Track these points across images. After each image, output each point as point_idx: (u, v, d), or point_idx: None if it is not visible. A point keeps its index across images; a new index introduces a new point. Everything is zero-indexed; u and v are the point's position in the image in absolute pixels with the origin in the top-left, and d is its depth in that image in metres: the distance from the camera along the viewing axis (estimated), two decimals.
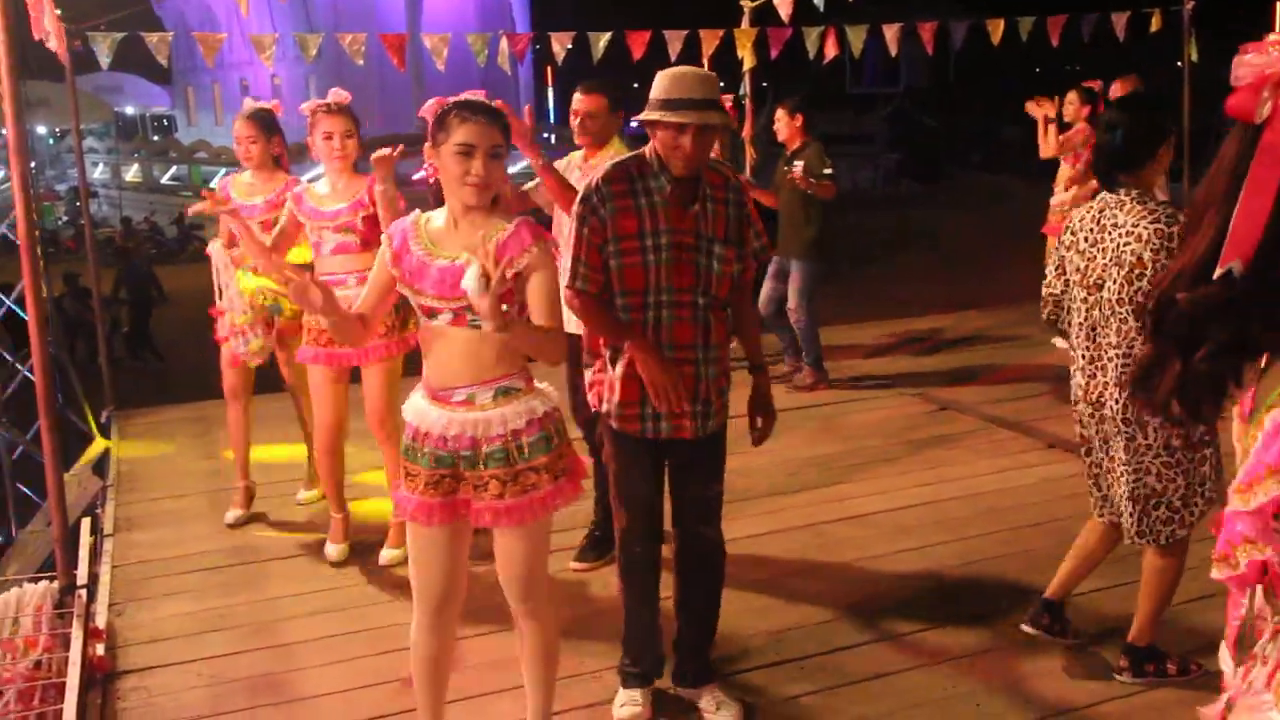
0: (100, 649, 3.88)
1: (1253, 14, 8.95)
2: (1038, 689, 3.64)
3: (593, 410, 3.43)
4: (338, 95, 4.52)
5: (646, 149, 3.20)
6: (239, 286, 4.86)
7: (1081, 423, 3.60)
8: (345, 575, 4.67)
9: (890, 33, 8.33)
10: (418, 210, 2.96)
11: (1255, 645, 1.40)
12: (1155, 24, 8.69)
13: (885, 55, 8.82)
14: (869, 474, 5.73)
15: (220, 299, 5.00)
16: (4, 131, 7.53)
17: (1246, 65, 1.27)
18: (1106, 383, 3.45)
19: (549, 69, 37.95)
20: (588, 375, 3.42)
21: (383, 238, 2.92)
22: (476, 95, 2.83)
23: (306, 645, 4.11)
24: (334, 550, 4.75)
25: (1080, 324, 3.50)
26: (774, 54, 8.21)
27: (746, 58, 8.15)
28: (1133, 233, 3.29)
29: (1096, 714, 3.50)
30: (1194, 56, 8.54)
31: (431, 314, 2.82)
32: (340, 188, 4.50)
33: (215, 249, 4.99)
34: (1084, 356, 3.51)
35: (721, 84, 3.31)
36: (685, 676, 3.54)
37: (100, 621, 4.06)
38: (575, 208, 3.22)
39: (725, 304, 3.34)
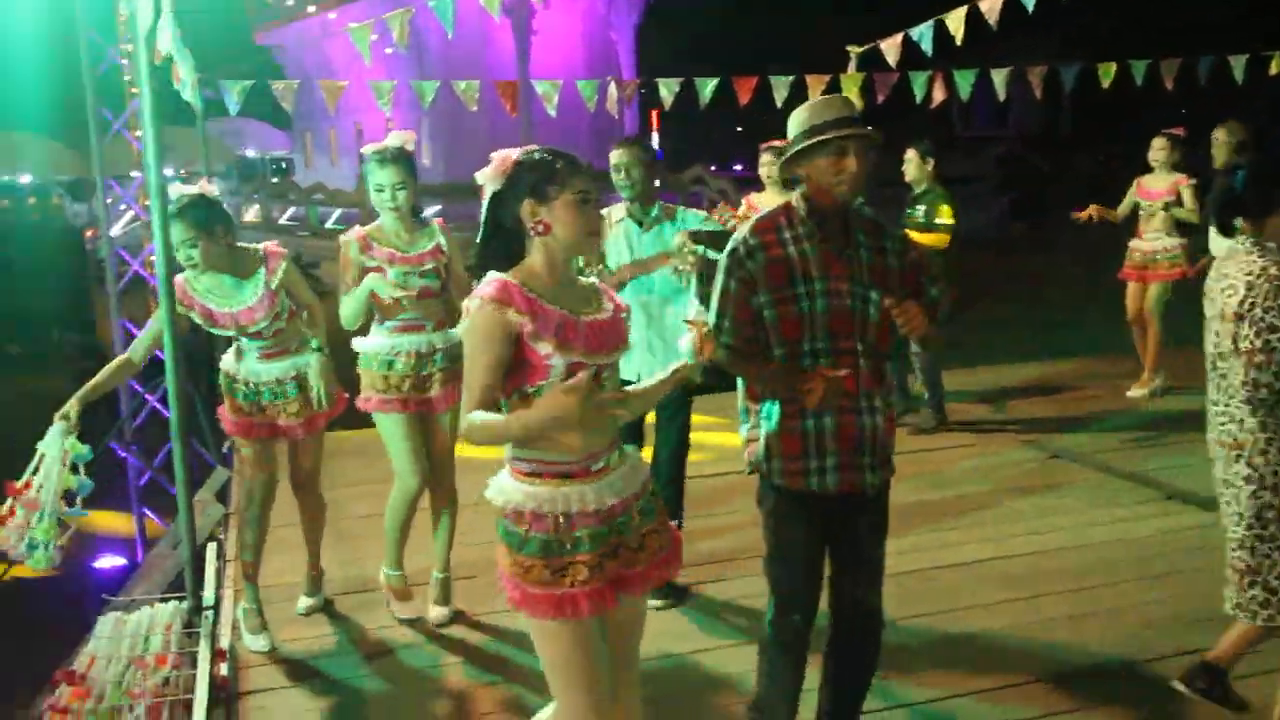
0: (224, 669, 4.04)
1: None
2: None
3: (749, 467, 3.27)
4: (403, 137, 4.39)
5: (792, 198, 3.15)
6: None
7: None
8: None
9: (999, 77, 8.28)
10: (492, 272, 2.66)
11: None
12: (1276, 67, 8.49)
13: (994, 98, 8.76)
14: (977, 521, 5.66)
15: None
16: (135, 176, 7.95)
17: None
18: (1211, 439, 3.35)
19: (654, 113, 38.41)
20: (742, 431, 3.31)
21: (491, 304, 2.56)
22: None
23: (418, 673, 4.22)
24: (437, 614, 4.65)
25: (1209, 376, 3.39)
26: (880, 98, 8.23)
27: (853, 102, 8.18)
28: (1233, 285, 3.18)
29: None
30: None
31: (571, 374, 2.57)
32: (409, 232, 4.44)
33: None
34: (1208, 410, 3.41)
35: None
36: None
37: (223, 643, 4.22)
38: (724, 261, 3.14)
39: (886, 355, 3.21)
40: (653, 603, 4.56)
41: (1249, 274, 3.15)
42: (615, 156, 4.60)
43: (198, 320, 4.32)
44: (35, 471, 3.94)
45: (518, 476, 2.65)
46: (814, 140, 3.01)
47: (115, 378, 4.32)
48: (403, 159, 4.35)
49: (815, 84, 7.97)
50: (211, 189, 4.35)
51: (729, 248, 3.15)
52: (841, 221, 3.13)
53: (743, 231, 3.15)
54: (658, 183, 4.85)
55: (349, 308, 4.32)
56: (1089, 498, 5.94)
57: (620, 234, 4.67)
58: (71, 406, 4.01)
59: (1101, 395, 8.08)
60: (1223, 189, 3.37)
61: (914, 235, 6.73)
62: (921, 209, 6.95)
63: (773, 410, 3.15)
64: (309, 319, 4.47)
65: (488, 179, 2.70)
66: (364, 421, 5.07)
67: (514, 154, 2.69)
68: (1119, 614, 4.50)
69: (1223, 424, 3.28)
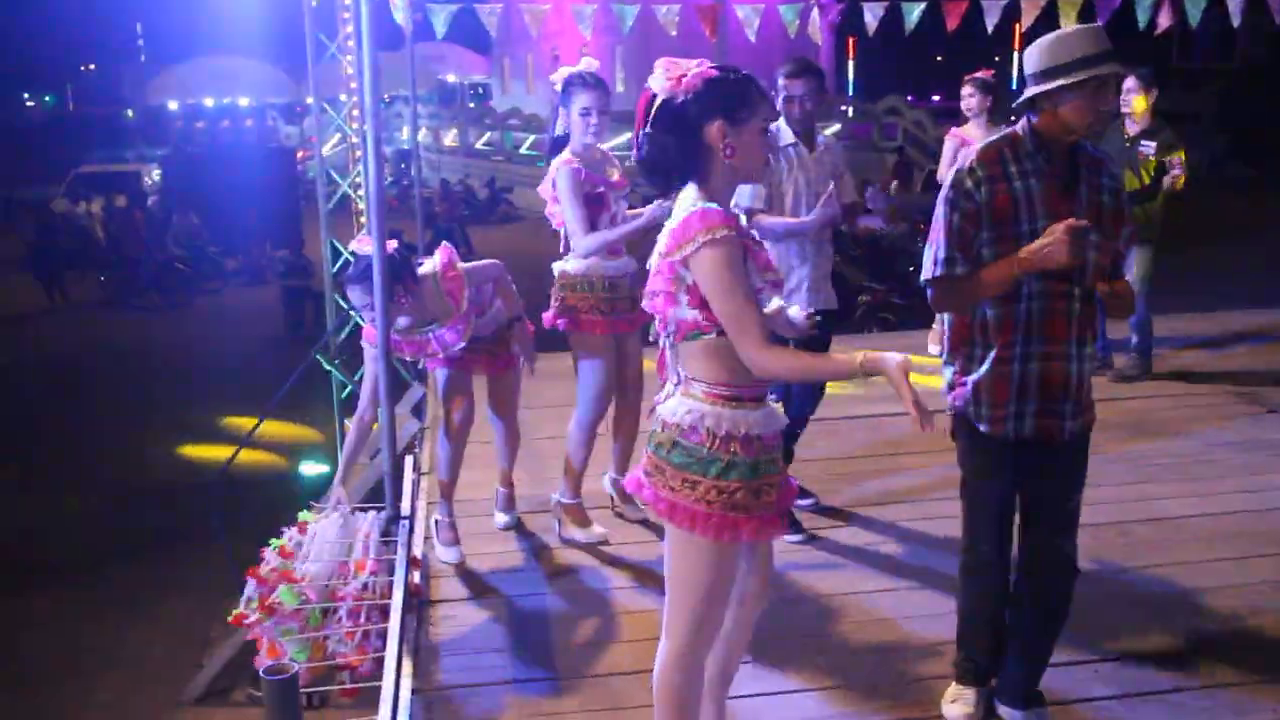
0: (417, 577, 4.22)
1: None
2: None
3: (954, 410, 3.19)
4: (593, 64, 4.49)
5: (1018, 127, 3.00)
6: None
7: None
8: (634, 530, 4.84)
9: (1234, 2, 7.67)
10: (695, 200, 2.59)
11: None
12: None
13: (1221, 24, 8.13)
14: (1184, 475, 5.37)
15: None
16: (345, 98, 8.23)
17: None
18: None
19: (851, 40, 37.39)
20: (946, 374, 3.21)
21: (732, 233, 2.51)
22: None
23: (600, 592, 4.32)
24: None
25: None
26: (1101, 23, 7.75)
27: (1070, 26, 7.73)
28: None
29: None
30: None
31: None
32: (603, 157, 4.55)
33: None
34: None
35: None
36: (1013, 698, 3.33)
37: (417, 553, 4.40)
38: (945, 192, 3.01)
39: (1096, 297, 3.08)
40: (794, 537, 4.68)
41: None
42: (795, 87, 4.49)
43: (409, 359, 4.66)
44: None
45: (715, 401, 2.61)
46: (1082, 76, 2.83)
47: (363, 441, 4.50)
48: (603, 85, 4.41)
49: (1030, 8, 7.57)
50: (595, 63, 4.49)
51: (952, 179, 3.01)
52: (1068, 157, 2.98)
53: (969, 161, 3.00)
54: (850, 112, 4.73)
55: (598, 241, 4.38)
56: None
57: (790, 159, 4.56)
58: (338, 489, 4.25)
59: None
60: None
61: (1169, 182, 6.25)
62: (1152, 145, 6.34)
63: (983, 354, 3.06)
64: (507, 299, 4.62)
65: (664, 88, 2.58)
66: (552, 345, 5.17)
67: (701, 67, 2.59)
68: None
69: None
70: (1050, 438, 3.07)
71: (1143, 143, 6.32)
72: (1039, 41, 2.93)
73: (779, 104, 4.53)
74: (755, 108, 2.59)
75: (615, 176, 4.53)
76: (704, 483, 2.60)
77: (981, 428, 3.09)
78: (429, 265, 4.37)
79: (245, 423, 9.53)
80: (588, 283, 4.54)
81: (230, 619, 3.99)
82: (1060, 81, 2.85)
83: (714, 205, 2.55)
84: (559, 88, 4.49)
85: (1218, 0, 7.63)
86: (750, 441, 2.61)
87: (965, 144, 6.38)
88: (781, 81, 4.52)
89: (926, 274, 3.07)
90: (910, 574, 4.41)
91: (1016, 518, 3.23)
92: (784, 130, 4.54)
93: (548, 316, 4.63)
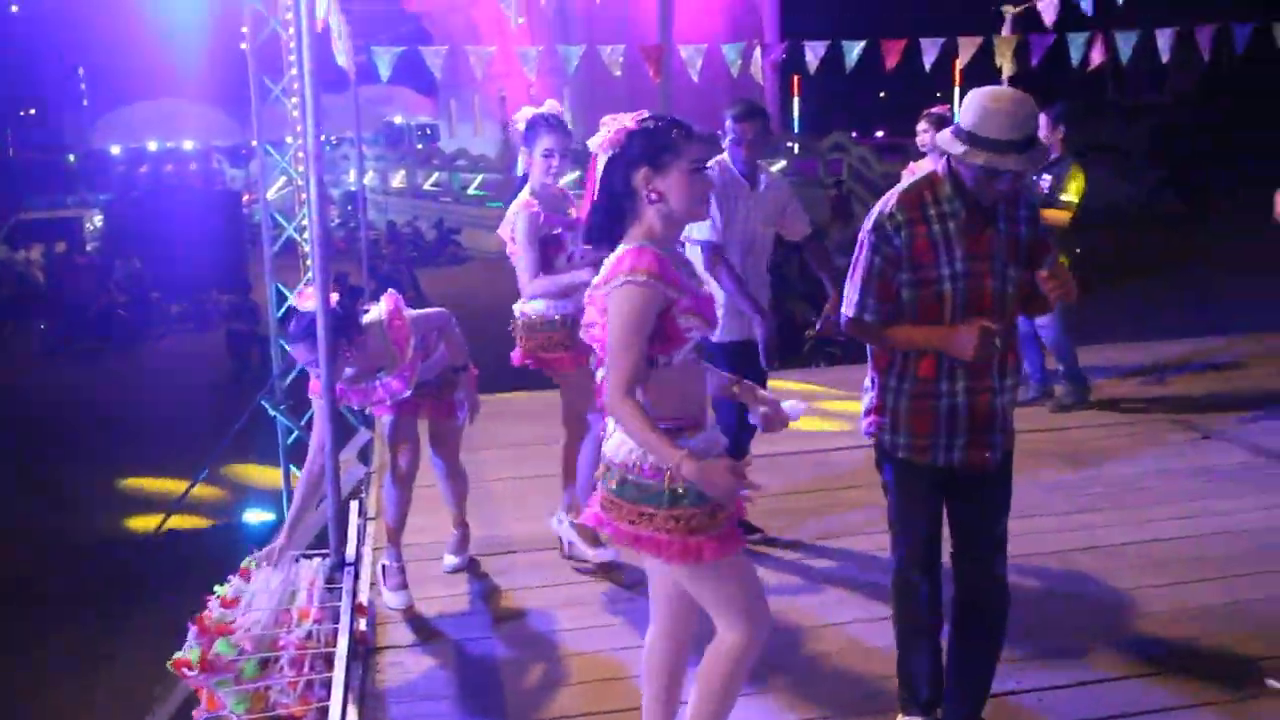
0: (363, 624, 4.18)
1: None
2: None
3: (867, 436, 3.29)
4: (555, 106, 4.59)
5: (939, 168, 3.08)
6: None
7: None
8: (585, 570, 4.83)
9: (1163, 38, 7.88)
10: (633, 241, 2.72)
11: None
12: None
13: (1153, 62, 8.34)
14: (1121, 503, 5.46)
15: None
16: (291, 140, 8.22)
17: None
18: None
19: (795, 78, 37.87)
20: (864, 400, 3.28)
21: (654, 278, 2.61)
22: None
23: (548, 635, 4.30)
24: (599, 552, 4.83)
25: None
26: (1035, 61, 7.93)
27: (1006, 65, 7.90)
28: None
29: None
30: None
31: (683, 347, 2.73)
32: (562, 198, 4.61)
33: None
34: None
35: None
36: None
37: (363, 599, 4.37)
38: (866, 236, 3.08)
39: (1016, 329, 3.19)
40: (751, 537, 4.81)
41: None
42: (742, 128, 4.57)
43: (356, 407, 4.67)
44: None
45: None
46: (979, 160, 2.89)
47: (314, 492, 4.41)
48: (565, 127, 4.50)
49: (967, 47, 7.74)
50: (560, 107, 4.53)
51: (873, 222, 3.08)
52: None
53: (889, 205, 3.08)
54: (796, 149, 4.81)
55: (541, 287, 4.45)
56: (1242, 481, 5.68)
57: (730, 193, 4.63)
58: (281, 538, 4.19)
59: (1260, 375, 7.70)
60: None
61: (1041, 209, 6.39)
62: (1048, 179, 6.50)
63: (903, 386, 3.13)
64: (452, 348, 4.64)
65: (600, 146, 2.73)
66: (504, 385, 5.18)
67: (628, 121, 2.72)
68: (1272, 604, 4.30)
69: None
70: (981, 468, 3.15)
71: (1042, 176, 6.45)
72: (976, 96, 2.94)
73: (726, 143, 4.62)
74: (679, 151, 2.67)
75: (573, 214, 4.58)
76: (659, 514, 2.68)
77: (900, 455, 3.17)
78: (374, 313, 4.37)
79: (187, 473, 9.42)
80: (549, 323, 4.58)
81: (171, 663, 3.93)
82: (964, 149, 2.92)
83: (651, 247, 2.65)
84: (521, 128, 4.56)
85: (1148, 36, 7.84)
86: None
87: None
88: (729, 123, 4.61)
89: (845, 311, 3.15)
90: (857, 605, 4.45)
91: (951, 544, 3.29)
92: (729, 168, 4.62)
93: (516, 356, 4.71)
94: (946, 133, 2.99)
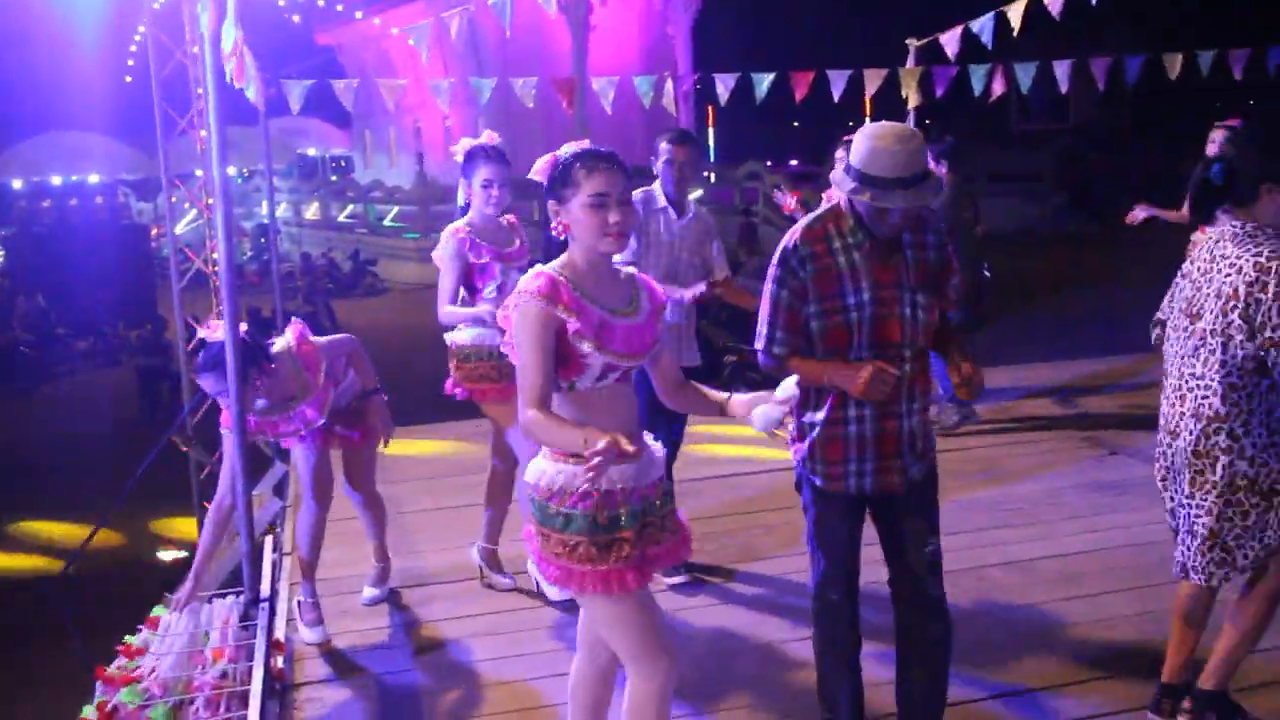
0: (280, 661, 4.10)
1: None
2: None
3: (794, 464, 3.30)
4: (493, 136, 4.60)
5: (841, 201, 3.10)
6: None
7: (1162, 453, 3.57)
8: (506, 600, 4.79)
9: (1061, 69, 8.14)
10: (539, 266, 2.78)
11: None
12: None
13: (1054, 91, 8.61)
14: (1034, 519, 5.58)
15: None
16: (200, 174, 8.09)
17: None
18: (1184, 412, 3.42)
19: (710, 108, 38.32)
20: (791, 427, 3.26)
21: (541, 298, 2.65)
22: (580, 143, 2.80)
23: (468, 665, 4.26)
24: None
25: (1175, 353, 3.48)
26: (939, 92, 8.13)
27: (911, 96, 8.08)
28: (1235, 264, 3.25)
29: None
30: None
31: (606, 373, 2.72)
32: (501, 229, 4.62)
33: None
34: (1171, 385, 3.50)
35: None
36: None
37: (280, 635, 4.28)
38: (773, 270, 3.10)
39: (926, 353, 3.20)
40: (678, 579, 4.83)
41: (1256, 256, 3.21)
42: (675, 152, 4.62)
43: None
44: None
45: (558, 459, 2.73)
46: (865, 197, 2.93)
47: (223, 529, 4.28)
48: (504, 157, 4.51)
49: (873, 78, 7.90)
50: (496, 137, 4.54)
51: (779, 255, 3.12)
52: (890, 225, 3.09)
53: (793, 239, 3.11)
54: (712, 178, 4.88)
55: (447, 317, 4.46)
56: (1150, 495, 5.80)
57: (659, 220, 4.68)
58: (190, 580, 4.11)
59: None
60: (1201, 181, 3.39)
61: None
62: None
63: (816, 416, 3.16)
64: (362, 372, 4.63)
65: (535, 176, 2.82)
66: (422, 417, 5.13)
67: (558, 152, 2.78)
68: None
69: (1204, 396, 3.35)
70: (891, 491, 3.18)
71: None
72: (864, 134, 2.97)
73: (658, 167, 4.66)
74: (579, 184, 2.69)
75: (515, 246, 4.59)
76: (553, 537, 2.73)
77: (817, 482, 3.20)
78: (281, 342, 4.32)
79: (95, 514, 9.14)
80: (478, 352, 4.58)
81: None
82: (853, 185, 2.96)
83: (547, 270, 2.71)
84: (460, 159, 4.56)
85: (1046, 66, 8.08)
86: (586, 495, 2.67)
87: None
88: (663, 145, 4.66)
89: (756, 344, 3.20)
90: (775, 628, 4.48)
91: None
92: (657, 194, 4.66)
93: (448, 385, 4.71)
94: (839, 170, 3.05)
